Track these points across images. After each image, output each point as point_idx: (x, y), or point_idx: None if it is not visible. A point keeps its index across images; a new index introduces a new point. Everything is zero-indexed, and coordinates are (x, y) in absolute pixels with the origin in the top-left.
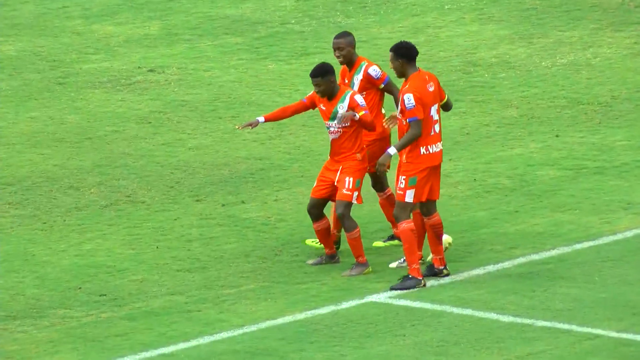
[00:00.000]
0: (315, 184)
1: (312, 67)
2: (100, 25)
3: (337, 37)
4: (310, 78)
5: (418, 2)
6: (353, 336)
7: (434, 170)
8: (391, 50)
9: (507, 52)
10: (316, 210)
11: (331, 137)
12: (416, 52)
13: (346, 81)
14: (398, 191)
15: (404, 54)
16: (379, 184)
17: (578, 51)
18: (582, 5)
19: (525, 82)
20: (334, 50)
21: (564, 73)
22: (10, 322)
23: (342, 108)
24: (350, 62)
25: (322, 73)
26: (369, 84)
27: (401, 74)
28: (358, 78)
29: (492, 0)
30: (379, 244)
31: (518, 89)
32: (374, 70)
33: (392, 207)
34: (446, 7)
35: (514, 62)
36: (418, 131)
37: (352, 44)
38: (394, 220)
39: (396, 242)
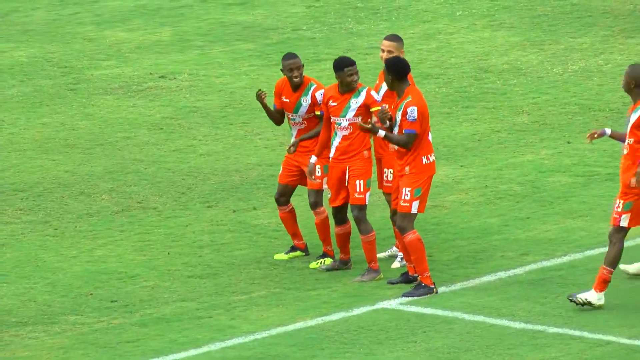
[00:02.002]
0: (330, 194)
1: (324, 74)
2: (111, 32)
3: (294, 57)
4: (343, 69)
5: (429, 9)
6: (364, 343)
7: (430, 181)
8: (385, 63)
9: (518, 59)
10: (340, 215)
11: (341, 133)
12: (407, 70)
13: (284, 99)
14: (403, 203)
15: (395, 71)
16: (285, 196)
17: (589, 58)
18: (594, 12)
19: (536, 88)
20: (292, 71)
21: (576, 80)
22: (21, 328)
23: (355, 103)
24: (301, 82)
25: (353, 62)
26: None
27: (391, 87)
28: (307, 99)
29: (504, 7)
30: (281, 256)
31: (529, 96)
32: (320, 95)
33: (294, 220)
34: (457, 13)
35: (526, 69)
36: (410, 143)
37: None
38: (293, 233)
39: (298, 253)
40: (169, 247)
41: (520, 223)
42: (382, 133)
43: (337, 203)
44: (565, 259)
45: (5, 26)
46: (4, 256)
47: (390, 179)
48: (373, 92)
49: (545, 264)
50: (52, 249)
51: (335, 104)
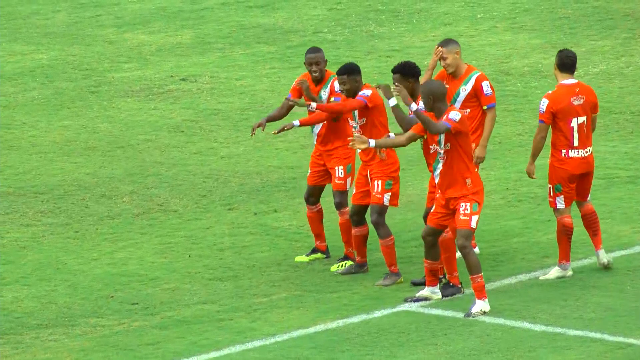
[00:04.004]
0: (354, 191)
1: None
2: (132, 34)
3: (315, 51)
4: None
5: (450, 11)
6: (385, 345)
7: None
8: (397, 72)
9: (539, 61)
10: (358, 217)
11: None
12: (419, 69)
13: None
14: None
15: (414, 73)
16: (314, 197)
17: (610, 60)
18: (615, 15)
19: None
20: (311, 65)
21: (596, 82)
22: (42, 330)
23: None
24: (321, 77)
25: (348, 71)
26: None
27: (411, 93)
28: (326, 92)
29: (525, 10)
30: (302, 258)
31: None
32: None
33: (321, 221)
34: (479, 16)
35: (547, 71)
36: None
37: (325, 59)
38: (317, 234)
39: (319, 255)
40: (190, 250)
41: (541, 225)
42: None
43: (356, 201)
44: (586, 261)
45: (26, 29)
46: (25, 258)
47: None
48: (363, 92)
49: None
50: (73, 252)
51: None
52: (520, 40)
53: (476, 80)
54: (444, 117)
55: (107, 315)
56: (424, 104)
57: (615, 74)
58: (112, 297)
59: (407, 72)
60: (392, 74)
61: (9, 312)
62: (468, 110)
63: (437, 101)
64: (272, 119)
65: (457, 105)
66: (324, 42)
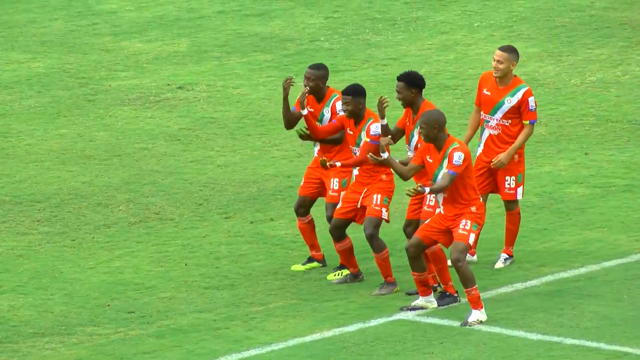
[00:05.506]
0: (339, 205)
1: (341, 85)
2: (129, 43)
3: (313, 67)
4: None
5: (447, 20)
6: (381, 354)
7: None
8: (402, 79)
9: (536, 70)
10: (338, 232)
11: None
12: (424, 82)
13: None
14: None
15: (418, 84)
16: (304, 207)
17: (607, 69)
18: (611, 23)
19: (554, 99)
20: (306, 79)
21: (593, 91)
22: (38, 339)
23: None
24: (319, 94)
25: (353, 93)
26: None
27: (410, 103)
28: (328, 110)
29: (522, 18)
30: (298, 267)
31: (547, 107)
32: (340, 105)
33: (313, 231)
34: (475, 24)
35: (543, 80)
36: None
37: (324, 77)
38: (311, 244)
39: (315, 264)
40: (186, 258)
41: (537, 234)
42: (427, 189)
43: (340, 215)
44: (582, 270)
45: (23, 37)
46: (22, 267)
47: (512, 185)
48: (372, 125)
49: (562, 275)
50: (70, 260)
51: (352, 133)
52: (517, 49)
53: (523, 95)
54: (445, 155)
55: (104, 324)
56: (424, 134)
57: (612, 83)
58: (108, 305)
59: (411, 82)
60: (396, 80)
61: (5, 320)
62: (509, 120)
63: (441, 130)
64: (286, 106)
65: (499, 114)
66: (320, 50)
